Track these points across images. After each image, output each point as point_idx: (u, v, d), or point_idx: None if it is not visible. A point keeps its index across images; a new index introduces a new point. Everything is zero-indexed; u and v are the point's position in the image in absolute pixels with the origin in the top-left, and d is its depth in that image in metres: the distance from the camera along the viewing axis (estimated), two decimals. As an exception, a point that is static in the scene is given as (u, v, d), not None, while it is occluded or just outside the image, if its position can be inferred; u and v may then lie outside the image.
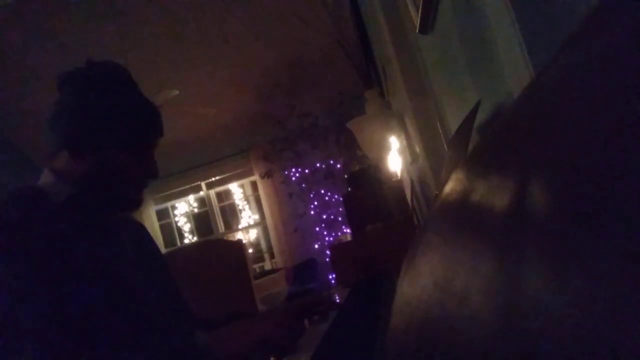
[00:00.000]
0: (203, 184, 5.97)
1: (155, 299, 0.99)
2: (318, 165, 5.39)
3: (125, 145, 0.97)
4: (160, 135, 1.04)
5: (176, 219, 6.20)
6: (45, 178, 0.97)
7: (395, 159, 2.38)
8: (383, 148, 2.44)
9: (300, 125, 5.25)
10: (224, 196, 6.22)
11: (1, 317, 0.77)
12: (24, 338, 0.76)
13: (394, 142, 2.31)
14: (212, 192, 6.08)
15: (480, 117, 0.80)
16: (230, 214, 6.26)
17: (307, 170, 5.44)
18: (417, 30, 1.17)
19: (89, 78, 0.97)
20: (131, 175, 0.98)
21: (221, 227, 6.05)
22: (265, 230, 5.99)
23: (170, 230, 6.11)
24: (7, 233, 0.81)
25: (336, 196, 5.25)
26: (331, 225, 5.30)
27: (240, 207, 6.26)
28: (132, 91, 1.01)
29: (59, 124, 0.96)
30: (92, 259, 0.88)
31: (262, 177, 5.56)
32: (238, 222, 6.22)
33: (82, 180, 0.95)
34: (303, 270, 5.27)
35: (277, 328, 0.90)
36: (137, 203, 1.02)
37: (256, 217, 6.19)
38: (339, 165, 5.27)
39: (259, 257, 6.13)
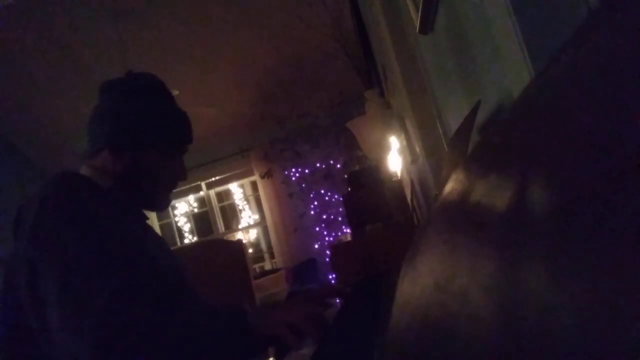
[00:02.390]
0: (203, 184, 5.96)
1: (179, 284, 1.08)
2: (318, 165, 5.38)
3: (161, 148, 1.06)
4: (191, 142, 1.13)
5: (176, 219, 6.20)
6: (83, 172, 1.04)
7: (395, 159, 2.38)
8: (383, 148, 2.44)
9: (300, 125, 5.25)
10: (224, 196, 6.21)
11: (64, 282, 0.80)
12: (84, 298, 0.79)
13: (394, 142, 2.31)
14: (212, 192, 6.08)
15: (480, 117, 0.80)
16: (230, 214, 6.26)
17: (307, 170, 5.44)
18: (417, 30, 1.17)
19: (130, 86, 1.07)
20: (163, 176, 1.08)
21: (221, 227, 6.04)
22: (265, 230, 5.99)
23: (170, 230, 6.10)
24: (73, 201, 0.88)
25: (336, 196, 5.25)
26: (331, 225, 5.30)
27: (240, 207, 6.26)
28: (168, 99, 1.11)
29: (102, 125, 1.04)
30: (136, 241, 0.96)
31: (262, 177, 5.55)
32: (238, 222, 6.21)
33: (120, 177, 1.04)
34: (303, 270, 5.26)
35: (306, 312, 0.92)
36: (165, 203, 1.12)
37: (256, 217, 6.19)
38: (339, 165, 5.27)
39: (259, 257, 6.12)
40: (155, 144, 1.06)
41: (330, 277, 5.07)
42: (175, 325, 0.82)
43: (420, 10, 1.05)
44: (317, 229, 5.37)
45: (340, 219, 5.18)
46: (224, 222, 6.12)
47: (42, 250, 0.83)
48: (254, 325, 0.88)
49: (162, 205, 1.13)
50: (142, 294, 0.84)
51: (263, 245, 6.20)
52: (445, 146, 1.33)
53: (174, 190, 1.15)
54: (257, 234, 6.27)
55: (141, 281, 0.87)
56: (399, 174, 2.42)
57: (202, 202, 6.17)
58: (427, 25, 1.11)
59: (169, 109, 1.10)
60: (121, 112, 1.04)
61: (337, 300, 1.23)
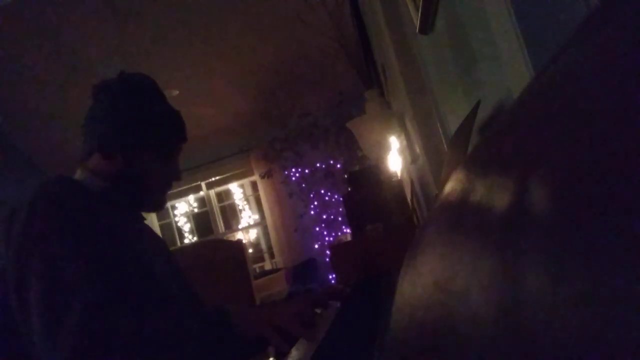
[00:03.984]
0: (203, 184, 5.96)
1: (176, 285, 1.08)
2: (318, 165, 5.38)
3: (153, 149, 1.06)
4: (185, 141, 1.13)
5: (176, 219, 6.20)
6: (79, 174, 1.05)
7: (395, 159, 2.38)
8: (383, 148, 2.44)
9: (300, 125, 5.25)
10: (224, 196, 6.21)
11: (50, 282, 0.82)
12: (71, 300, 0.80)
13: (394, 142, 2.31)
14: (212, 192, 6.08)
15: (480, 117, 0.80)
16: (230, 214, 6.26)
17: (307, 170, 5.44)
18: (417, 30, 1.17)
19: (122, 87, 1.07)
20: (157, 177, 1.08)
21: (221, 227, 6.04)
22: (265, 230, 5.99)
23: (170, 230, 6.10)
24: (60, 209, 0.89)
25: (336, 196, 5.25)
26: (331, 225, 5.30)
27: (240, 207, 6.26)
28: (160, 100, 1.11)
29: (93, 127, 1.05)
30: (130, 242, 0.97)
31: (262, 177, 5.55)
32: (238, 222, 6.22)
33: (113, 179, 1.04)
34: (303, 270, 5.26)
35: (297, 313, 0.91)
36: (160, 204, 1.12)
37: (256, 217, 6.19)
38: (339, 165, 5.27)
39: (259, 257, 6.12)
40: (147, 144, 1.06)
41: (330, 277, 5.07)
42: (156, 332, 0.82)
43: (420, 10, 1.05)
44: (317, 229, 5.37)
45: (340, 219, 5.18)
46: (224, 222, 6.12)
47: (29, 258, 0.84)
48: (238, 327, 0.87)
49: (157, 206, 1.12)
50: (124, 302, 0.84)
51: (263, 245, 6.20)
52: (445, 146, 1.33)
53: (174, 191, 1.14)
54: (257, 234, 6.27)
55: (125, 288, 0.87)
56: (399, 174, 2.42)
57: (202, 202, 6.16)
58: (427, 25, 1.11)
59: (161, 109, 1.10)
60: (112, 114, 1.04)
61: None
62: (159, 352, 0.80)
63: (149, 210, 1.14)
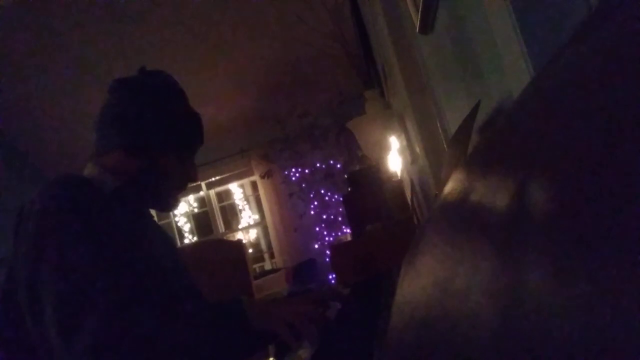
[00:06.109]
0: (203, 184, 5.96)
1: (182, 282, 1.08)
2: (318, 165, 5.38)
3: (175, 149, 1.06)
4: (202, 143, 1.14)
5: (176, 219, 6.20)
6: (89, 170, 1.03)
7: (395, 159, 2.38)
8: (383, 148, 2.44)
9: (300, 125, 5.24)
10: (224, 196, 6.21)
11: (70, 285, 0.81)
12: (88, 301, 0.80)
13: (394, 142, 2.31)
14: (212, 192, 6.08)
15: (480, 117, 0.80)
16: (230, 214, 6.26)
17: (307, 170, 5.43)
18: (417, 30, 1.17)
19: (144, 85, 1.05)
20: (175, 177, 1.07)
21: (221, 227, 6.04)
22: (265, 230, 5.99)
23: (170, 230, 6.09)
24: (70, 209, 0.88)
25: (336, 196, 5.24)
26: (331, 225, 5.29)
27: (240, 207, 6.26)
28: (183, 99, 1.10)
29: (116, 125, 1.02)
30: (139, 241, 0.97)
31: (262, 177, 5.55)
32: (238, 222, 6.21)
33: (133, 178, 1.02)
34: (303, 270, 5.26)
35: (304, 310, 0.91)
36: (174, 204, 1.12)
37: (256, 217, 6.19)
38: (339, 165, 5.26)
39: (259, 257, 6.12)
40: (172, 146, 1.05)
41: (330, 277, 5.07)
42: (174, 324, 0.83)
43: (420, 10, 1.05)
44: (317, 229, 5.37)
45: (340, 219, 5.18)
46: (224, 222, 6.11)
47: (43, 254, 0.84)
48: (252, 320, 0.88)
49: (172, 206, 1.12)
50: (141, 296, 0.85)
51: (263, 245, 6.20)
52: (445, 146, 1.33)
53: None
54: (257, 234, 6.27)
55: (141, 283, 0.88)
56: (399, 174, 2.42)
57: (202, 202, 6.16)
58: (427, 25, 1.11)
59: (184, 110, 1.09)
60: (137, 113, 1.02)
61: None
62: (179, 343, 0.81)
63: (162, 210, 1.13)
